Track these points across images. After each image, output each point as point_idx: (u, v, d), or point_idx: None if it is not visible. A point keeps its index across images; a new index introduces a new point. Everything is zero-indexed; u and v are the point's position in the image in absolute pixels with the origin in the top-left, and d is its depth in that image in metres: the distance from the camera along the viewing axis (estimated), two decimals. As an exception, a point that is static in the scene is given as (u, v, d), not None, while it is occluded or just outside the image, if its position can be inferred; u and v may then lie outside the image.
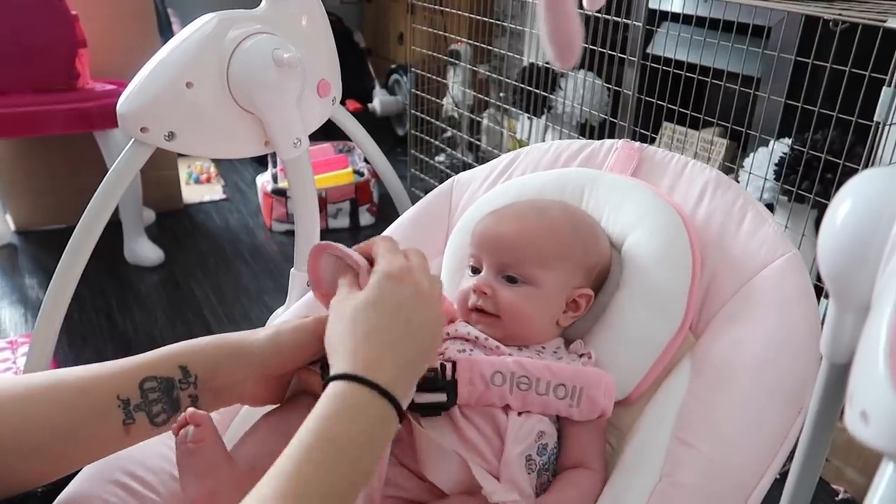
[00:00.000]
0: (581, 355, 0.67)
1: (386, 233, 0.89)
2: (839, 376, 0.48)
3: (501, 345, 0.66)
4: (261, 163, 2.58)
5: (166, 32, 2.35)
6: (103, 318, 1.82)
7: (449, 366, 0.61)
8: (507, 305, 0.66)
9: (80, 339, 1.72)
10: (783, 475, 0.57)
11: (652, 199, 0.74)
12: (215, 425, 0.54)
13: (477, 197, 0.87)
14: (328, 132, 1.48)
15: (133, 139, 0.85)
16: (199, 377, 0.55)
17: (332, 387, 0.48)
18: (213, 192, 2.61)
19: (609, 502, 0.60)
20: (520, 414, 0.61)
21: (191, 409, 0.53)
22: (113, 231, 2.05)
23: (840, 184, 1.20)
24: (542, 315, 0.67)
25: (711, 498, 0.58)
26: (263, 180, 2.36)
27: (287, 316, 0.85)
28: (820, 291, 1.14)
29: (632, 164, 0.80)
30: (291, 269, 0.92)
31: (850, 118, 1.11)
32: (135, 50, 2.16)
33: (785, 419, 0.61)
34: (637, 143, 0.82)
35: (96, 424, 0.52)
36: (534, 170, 0.86)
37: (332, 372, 0.48)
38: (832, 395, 0.49)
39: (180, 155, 2.50)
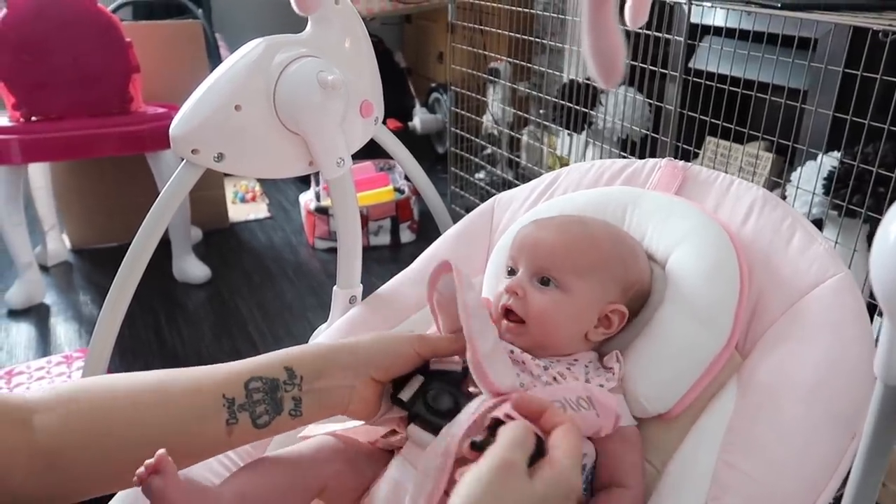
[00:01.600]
0: (609, 369, 0.66)
1: (429, 250, 0.90)
2: (894, 398, 0.46)
3: (528, 358, 0.65)
4: (304, 181, 2.63)
5: (214, 57, 2.43)
6: (152, 333, 1.87)
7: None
8: (536, 308, 0.65)
9: (130, 354, 1.77)
10: (836, 501, 0.56)
11: (697, 215, 0.73)
12: (175, 474, 0.52)
13: (518, 216, 0.87)
14: (369, 150, 1.49)
15: (184, 160, 0.88)
16: (304, 378, 0.55)
17: None
18: (258, 210, 2.67)
19: (654, 526, 0.59)
20: None
21: (157, 457, 0.49)
22: (161, 249, 2.10)
23: (893, 198, 1.16)
24: (569, 324, 0.66)
25: None
26: (306, 199, 2.41)
27: (330, 333, 0.86)
28: (873, 310, 1.11)
29: (675, 183, 0.79)
30: (334, 287, 0.93)
31: (902, 131, 1.08)
32: (185, 74, 2.24)
33: (838, 444, 0.59)
34: (681, 162, 0.81)
35: (202, 424, 0.52)
36: (575, 189, 0.86)
37: None
38: (887, 417, 0.47)
39: (227, 175, 2.56)
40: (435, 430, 0.53)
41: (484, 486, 0.42)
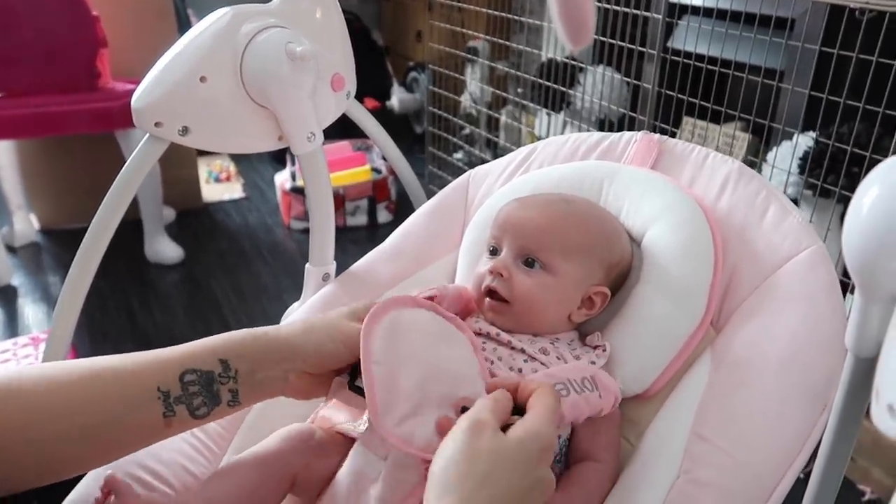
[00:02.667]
0: (595, 347, 0.66)
1: (403, 226, 0.89)
2: (865, 370, 0.46)
3: (513, 338, 0.64)
4: (279, 161, 2.60)
5: (185, 31, 2.37)
6: (124, 315, 1.84)
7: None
8: (522, 291, 0.64)
9: (101, 336, 1.74)
10: (806, 475, 0.56)
11: (673, 191, 0.72)
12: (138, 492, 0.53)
13: (494, 190, 0.86)
14: (345, 130, 1.46)
15: (147, 134, 0.85)
16: (240, 371, 0.54)
17: None
18: (233, 190, 2.63)
19: (626, 497, 0.59)
20: None
21: (108, 476, 0.52)
22: (133, 229, 2.08)
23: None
24: (555, 306, 0.65)
25: (731, 496, 0.57)
26: (282, 178, 2.37)
27: (303, 311, 0.84)
28: (845, 287, 1.11)
29: (651, 157, 0.78)
30: (307, 265, 0.91)
31: (878, 109, 1.08)
32: (155, 49, 2.16)
33: (809, 416, 0.59)
34: (657, 135, 0.80)
35: (137, 416, 0.51)
36: (551, 162, 0.85)
37: None
38: (858, 389, 0.47)
39: (200, 154, 2.52)
40: None
41: (458, 443, 0.44)
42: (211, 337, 0.55)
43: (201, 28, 0.84)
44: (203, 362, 0.53)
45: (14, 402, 0.48)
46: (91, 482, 0.60)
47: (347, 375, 0.57)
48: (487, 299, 0.66)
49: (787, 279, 0.65)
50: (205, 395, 0.52)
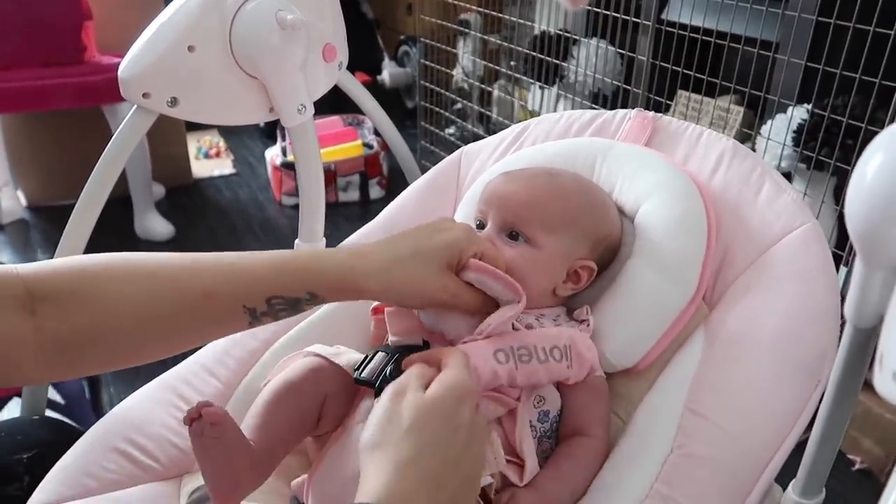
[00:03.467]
0: (581, 322, 0.66)
1: (396, 202, 0.88)
2: (864, 340, 0.46)
3: None
4: (270, 136, 2.57)
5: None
6: (114, 292, 1.83)
7: None
8: (506, 263, 0.63)
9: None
10: (802, 443, 0.56)
11: (666, 167, 0.72)
12: (230, 418, 0.54)
13: (486, 167, 0.85)
14: (337, 104, 1.44)
15: (135, 106, 0.83)
16: (326, 299, 0.55)
17: None
18: (223, 166, 2.60)
19: (620, 472, 0.59)
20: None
21: (206, 409, 0.52)
22: (123, 206, 2.06)
23: (861, 150, 1.17)
24: (539, 279, 0.65)
25: (725, 470, 0.57)
26: (272, 154, 2.35)
27: None
28: (838, 261, 1.11)
29: (645, 134, 0.78)
30: (296, 241, 0.90)
31: (874, 80, 1.08)
32: (141, 23, 2.12)
33: (802, 391, 0.60)
34: (651, 113, 0.79)
35: (221, 326, 0.54)
36: (544, 140, 0.84)
37: (359, 499, 0.43)
38: (856, 360, 0.47)
39: (189, 129, 2.48)
40: None
41: (383, 408, 0.47)
42: (298, 254, 0.55)
43: (188, -4, 0.82)
44: (292, 291, 0.53)
45: (92, 309, 0.49)
46: (82, 449, 0.60)
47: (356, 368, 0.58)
48: None
49: (781, 256, 0.65)
50: (290, 311, 0.54)
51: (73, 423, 0.82)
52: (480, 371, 0.56)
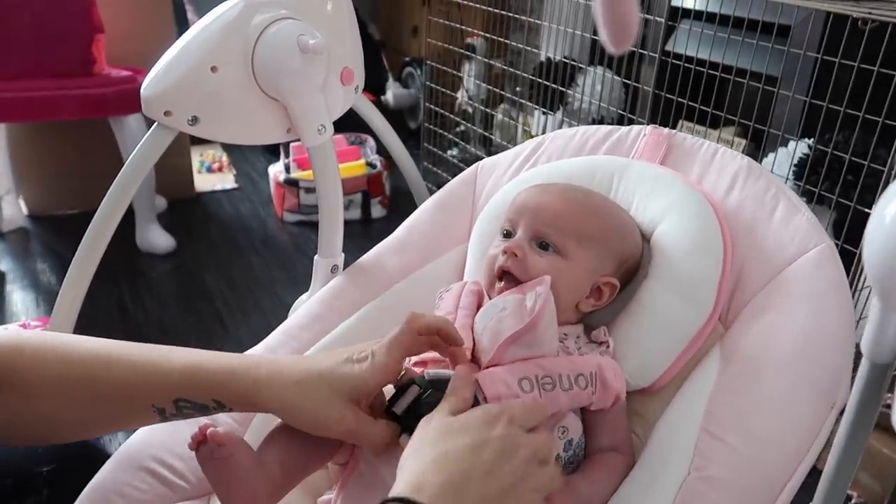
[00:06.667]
0: (600, 343, 0.67)
1: (409, 220, 0.89)
2: (880, 376, 0.47)
3: None
4: (273, 152, 2.58)
5: (182, 21, 2.35)
6: (115, 304, 1.82)
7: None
8: (535, 272, 0.64)
9: (91, 326, 1.72)
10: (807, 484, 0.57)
11: (682, 188, 0.73)
12: (238, 437, 0.54)
13: (502, 183, 0.86)
14: (340, 123, 1.45)
15: (156, 123, 0.84)
16: (234, 409, 0.55)
17: None
18: (225, 181, 2.61)
19: (637, 494, 0.60)
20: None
21: (210, 430, 0.52)
22: (125, 218, 2.05)
23: (863, 186, 1.18)
24: (565, 291, 0.65)
25: (742, 494, 0.58)
26: (276, 170, 2.36)
27: (312, 303, 0.83)
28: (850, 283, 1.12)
29: (660, 152, 0.79)
30: (315, 257, 0.91)
31: (877, 119, 1.10)
32: (150, 37, 2.16)
33: (818, 413, 0.60)
34: (666, 130, 0.80)
35: (131, 419, 0.55)
36: (560, 155, 0.85)
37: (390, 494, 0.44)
38: (872, 394, 0.48)
39: (193, 143, 2.49)
40: None
41: (415, 434, 0.50)
42: (210, 361, 0.54)
43: (212, 17, 0.84)
44: (199, 397, 0.53)
45: (52, 352, 0.51)
46: (112, 468, 0.60)
47: (385, 399, 0.57)
48: (500, 282, 0.66)
49: (796, 277, 0.66)
50: (199, 413, 0.55)
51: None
52: (504, 400, 0.56)
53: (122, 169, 0.87)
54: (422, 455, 0.47)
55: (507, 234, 0.69)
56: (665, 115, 1.52)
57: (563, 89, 1.83)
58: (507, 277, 0.66)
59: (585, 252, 0.66)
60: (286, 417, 0.55)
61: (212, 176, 2.64)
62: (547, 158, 0.86)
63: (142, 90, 0.82)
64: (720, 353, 0.66)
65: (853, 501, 1.31)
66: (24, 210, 2.25)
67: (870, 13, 1.05)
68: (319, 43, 0.82)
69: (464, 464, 0.46)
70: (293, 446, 0.56)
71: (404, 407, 0.55)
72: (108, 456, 0.63)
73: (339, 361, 0.55)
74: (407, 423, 0.54)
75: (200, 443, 0.52)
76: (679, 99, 1.44)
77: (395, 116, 2.93)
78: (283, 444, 0.57)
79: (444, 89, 2.23)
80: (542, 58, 1.94)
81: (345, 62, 0.92)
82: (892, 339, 0.44)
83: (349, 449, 0.60)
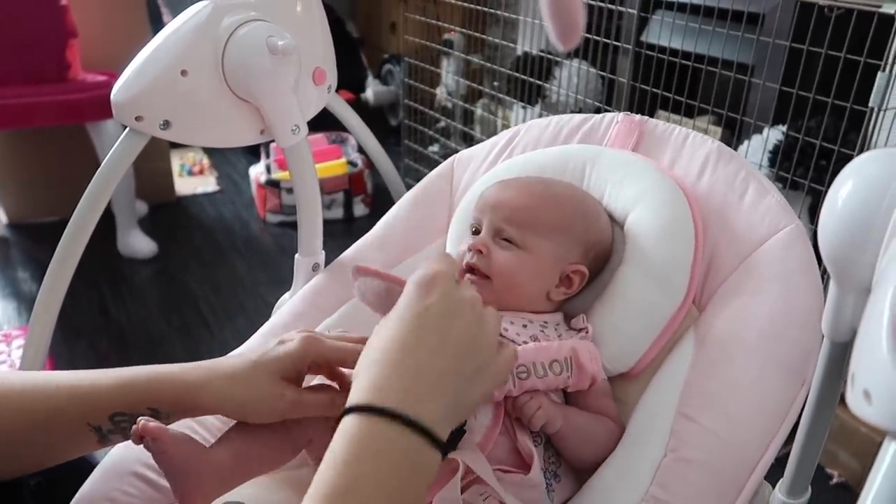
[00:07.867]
0: (579, 330, 0.68)
1: (387, 215, 0.89)
2: (840, 354, 0.48)
3: (507, 323, 0.65)
4: (254, 154, 2.57)
5: (157, 23, 2.33)
6: (97, 310, 1.81)
7: None
8: (499, 266, 0.66)
9: (73, 332, 1.72)
10: (782, 457, 0.58)
11: (653, 174, 0.74)
12: (178, 431, 0.53)
13: (478, 175, 0.86)
14: (320, 122, 1.45)
15: (127, 128, 0.84)
16: (172, 416, 0.54)
17: (345, 422, 0.43)
18: (207, 183, 2.60)
19: (615, 476, 0.61)
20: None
21: (143, 426, 0.51)
22: (106, 223, 2.04)
23: (835, 170, 1.20)
24: (532, 282, 0.67)
25: (717, 472, 0.59)
26: (257, 172, 2.35)
27: (294, 301, 0.83)
28: (820, 262, 1.14)
29: (632, 139, 0.79)
30: (296, 255, 0.91)
31: (846, 104, 1.12)
32: (126, 41, 2.13)
33: (788, 392, 0.62)
34: (637, 116, 0.81)
35: (69, 443, 0.54)
36: (535, 146, 0.86)
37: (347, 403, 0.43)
38: (833, 372, 0.49)
39: (173, 147, 2.48)
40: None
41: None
42: (141, 373, 0.54)
43: (181, 21, 0.84)
44: (133, 408, 0.53)
45: None
46: (100, 476, 0.60)
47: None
48: (468, 276, 0.68)
49: (766, 258, 0.67)
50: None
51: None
52: None
53: (96, 175, 0.87)
54: (369, 355, 0.46)
55: (475, 232, 0.70)
56: (641, 106, 1.53)
57: (541, 83, 1.84)
58: (475, 273, 0.67)
59: (547, 242, 0.67)
60: (229, 413, 0.55)
61: (193, 179, 2.63)
62: (522, 149, 0.86)
63: (112, 95, 0.81)
64: (694, 337, 0.67)
65: (834, 480, 1.33)
66: (4, 219, 2.23)
67: (834, 0, 1.06)
68: (289, 44, 0.82)
69: (411, 342, 0.45)
70: (247, 437, 0.56)
71: None
72: (95, 466, 0.64)
73: (269, 347, 0.56)
74: None
75: (142, 437, 0.52)
76: (654, 90, 1.46)
77: (376, 114, 2.93)
78: (234, 433, 0.57)
79: (423, 86, 2.24)
80: (520, 52, 1.95)
81: (316, 62, 0.92)
82: (848, 318, 0.45)
83: (320, 448, 0.59)
